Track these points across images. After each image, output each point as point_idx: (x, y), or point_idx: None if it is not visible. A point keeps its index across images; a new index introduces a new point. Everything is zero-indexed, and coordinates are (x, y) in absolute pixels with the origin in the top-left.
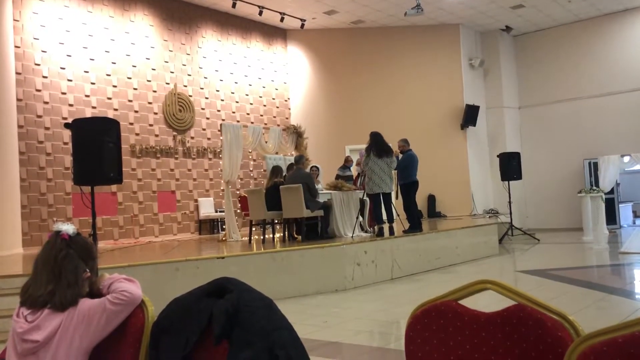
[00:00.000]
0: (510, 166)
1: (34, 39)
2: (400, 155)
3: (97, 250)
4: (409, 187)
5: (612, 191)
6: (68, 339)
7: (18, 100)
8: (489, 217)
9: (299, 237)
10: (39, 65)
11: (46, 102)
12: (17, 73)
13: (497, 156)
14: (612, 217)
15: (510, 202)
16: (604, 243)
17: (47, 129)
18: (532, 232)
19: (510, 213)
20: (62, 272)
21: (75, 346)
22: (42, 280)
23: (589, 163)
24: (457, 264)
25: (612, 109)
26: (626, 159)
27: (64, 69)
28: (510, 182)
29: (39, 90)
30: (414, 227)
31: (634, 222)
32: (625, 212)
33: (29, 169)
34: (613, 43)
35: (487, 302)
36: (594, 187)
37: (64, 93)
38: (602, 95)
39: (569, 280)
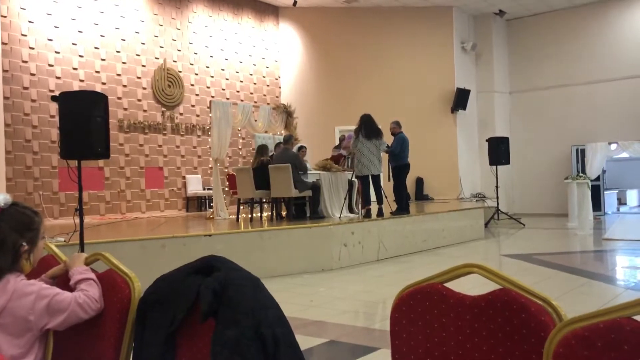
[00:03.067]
0: (498, 151)
1: (21, 8)
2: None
3: (40, 220)
4: (400, 169)
5: (598, 178)
6: (6, 315)
7: (4, 71)
8: (476, 201)
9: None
10: (25, 35)
11: (33, 74)
12: (2, 43)
13: (486, 140)
14: (597, 203)
15: (497, 187)
16: (588, 229)
17: (33, 101)
18: (518, 217)
19: (497, 197)
20: None
21: (14, 323)
22: None
23: (577, 150)
24: (443, 247)
25: (601, 96)
26: (613, 146)
27: (51, 40)
28: (498, 166)
29: (25, 62)
30: (402, 209)
31: (618, 210)
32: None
33: (14, 142)
34: (605, 30)
35: (472, 286)
36: (581, 174)
37: (51, 65)
38: (592, 83)
39: (553, 265)
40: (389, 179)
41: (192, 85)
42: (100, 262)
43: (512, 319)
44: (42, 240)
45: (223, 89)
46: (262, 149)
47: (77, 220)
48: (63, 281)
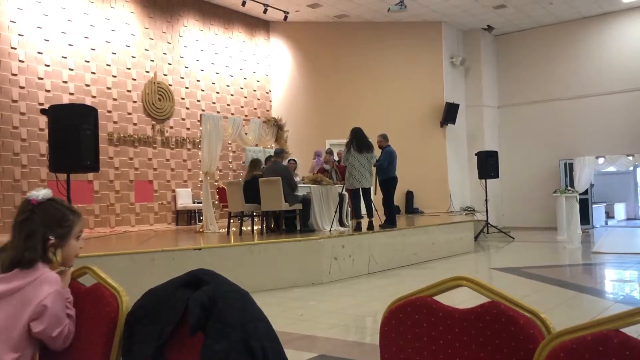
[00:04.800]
0: (487, 164)
1: (11, 22)
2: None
3: (75, 219)
4: (388, 183)
5: (586, 192)
6: (18, 304)
7: None
8: (466, 214)
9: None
10: (15, 49)
11: (22, 87)
12: None
13: (475, 154)
14: (585, 217)
15: (486, 200)
16: (577, 242)
17: (22, 114)
18: (507, 230)
19: (487, 211)
20: (16, 235)
21: (21, 314)
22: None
23: (565, 164)
24: (433, 260)
25: (588, 111)
26: (600, 160)
27: (41, 53)
28: (487, 180)
29: (14, 75)
30: (389, 222)
31: (606, 223)
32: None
33: (3, 155)
34: (590, 46)
35: (461, 299)
36: (569, 188)
37: (40, 78)
38: (579, 97)
39: (542, 278)
40: (375, 192)
41: (183, 98)
42: (88, 275)
43: (501, 331)
44: (76, 239)
45: (213, 103)
46: (255, 163)
47: None
48: None
